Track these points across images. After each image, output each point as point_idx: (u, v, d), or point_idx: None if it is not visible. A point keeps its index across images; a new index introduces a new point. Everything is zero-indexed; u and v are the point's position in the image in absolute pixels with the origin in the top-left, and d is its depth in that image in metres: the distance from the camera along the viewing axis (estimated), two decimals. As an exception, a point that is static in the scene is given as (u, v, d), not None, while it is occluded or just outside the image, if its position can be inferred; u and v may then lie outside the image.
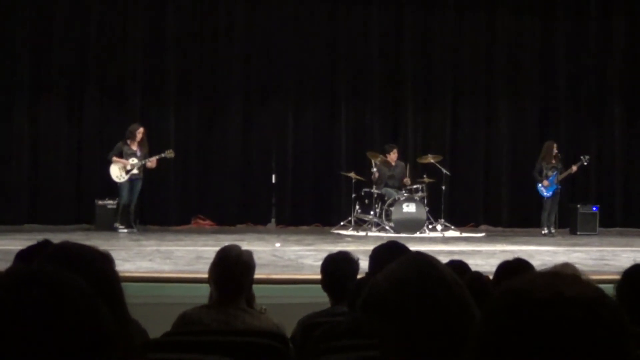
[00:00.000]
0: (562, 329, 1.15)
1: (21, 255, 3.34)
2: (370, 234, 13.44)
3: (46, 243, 3.26)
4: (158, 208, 14.74)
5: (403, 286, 1.83)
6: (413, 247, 4.30)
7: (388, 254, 3.81)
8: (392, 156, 14.31)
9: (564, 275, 1.25)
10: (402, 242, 4.23)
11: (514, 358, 1.16)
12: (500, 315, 1.20)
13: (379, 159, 14.11)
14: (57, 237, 3.29)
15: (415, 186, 13.98)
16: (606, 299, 1.20)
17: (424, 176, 14.10)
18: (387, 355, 1.84)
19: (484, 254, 10.69)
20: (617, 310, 1.20)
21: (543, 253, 10.77)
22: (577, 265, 4.46)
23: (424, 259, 1.93)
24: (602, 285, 1.31)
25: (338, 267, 4.41)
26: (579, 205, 14.70)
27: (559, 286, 1.19)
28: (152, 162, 13.47)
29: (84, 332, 1.14)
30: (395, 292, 1.83)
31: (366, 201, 14.03)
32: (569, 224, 14.72)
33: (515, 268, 3.83)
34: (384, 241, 4.38)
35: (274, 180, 15.46)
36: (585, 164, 14.46)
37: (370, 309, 1.86)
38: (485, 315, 1.22)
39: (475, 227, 15.42)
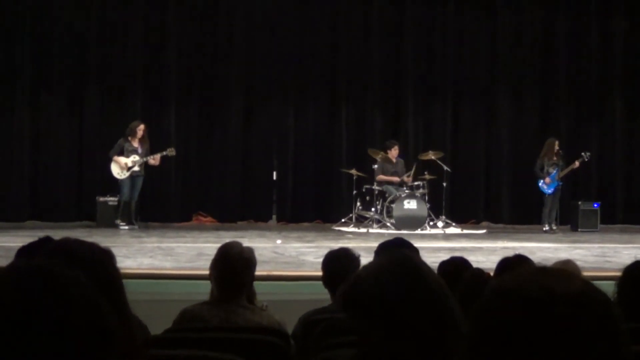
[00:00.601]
0: (552, 326, 1.14)
1: (22, 252, 3.34)
2: (371, 230, 13.43)
3: (47, 239, 3.25)
4: (159, 205, 14.74)
5: (384, 283, 1.82)
6: (414, 244, 4.31)
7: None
8: (393, 152, 14.29)
9: (553, 270, 1.25)
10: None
11: (506, 357, 1.16)
12: (490, 315, 1.19)
13: (380, 155, 14.10)
14: (58, 234, 3.30)
15: (416, 183, 13.97)
16: (596, 293, 1.19)
17: (425, 173, 14.10)
18: (363, 352, 1.83)
19: (485, 250, 10.69)
20: (608, 305, 1.19)
21: (544, 250, 10.77)
22: (578, 263, 4.46)
23: (408, 259, 1.92)
24: (603, 282, 1.31)
25: (339, 264, 4.41)
26: (580, 202, 14.69)
27: (547, 283, 1.18)
28: (155, 160, 13.46)
29: (85, 328, 1.14)
30: (376, 289, 1.82)
31: (367, 198, 14.02)
32: (570, 221, 14.71)
33: (515, 264, 3.82)
34: (389, 237, 4.39)
35: (274, 177, 15.46)
36: (586, 160, 14.45)
37: (350, 304, 1.86)
38: (475, 315, 1.22)
39: (476, 223, 15.41)
